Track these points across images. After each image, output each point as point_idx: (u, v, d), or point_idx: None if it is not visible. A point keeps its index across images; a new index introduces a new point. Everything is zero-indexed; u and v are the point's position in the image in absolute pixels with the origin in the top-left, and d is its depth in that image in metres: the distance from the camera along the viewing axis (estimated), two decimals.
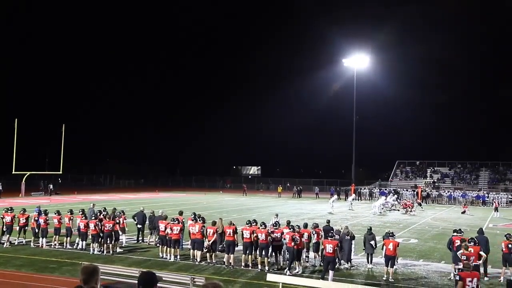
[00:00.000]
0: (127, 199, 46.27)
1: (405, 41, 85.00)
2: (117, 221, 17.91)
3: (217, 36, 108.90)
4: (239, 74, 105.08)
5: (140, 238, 19.65)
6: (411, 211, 36.61)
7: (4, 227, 18.38)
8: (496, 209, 37.20)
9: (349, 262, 15.77)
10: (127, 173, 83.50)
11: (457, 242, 14.21)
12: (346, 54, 61.58)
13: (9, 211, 18.63)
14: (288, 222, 16.18)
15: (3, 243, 18.25)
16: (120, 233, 18.27)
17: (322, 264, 14.77)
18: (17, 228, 18.51)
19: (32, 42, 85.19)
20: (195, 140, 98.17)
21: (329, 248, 13.69)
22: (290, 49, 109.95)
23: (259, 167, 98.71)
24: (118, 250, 17.48)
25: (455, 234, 15.10)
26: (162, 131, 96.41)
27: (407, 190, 55.21)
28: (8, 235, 18.28)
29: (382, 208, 37.31)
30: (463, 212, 37.51)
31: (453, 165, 67.91)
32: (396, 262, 14.67)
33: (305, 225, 16.54)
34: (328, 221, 17.82)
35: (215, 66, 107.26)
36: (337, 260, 14.74)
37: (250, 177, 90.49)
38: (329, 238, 14.18)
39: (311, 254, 16.18)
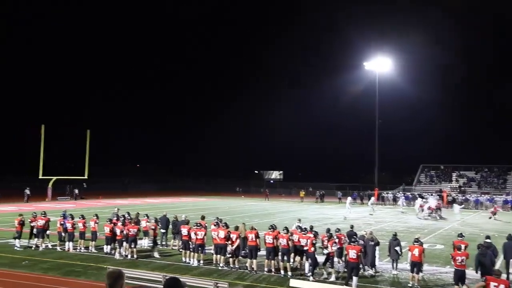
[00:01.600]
0: (150, 203, 46.69)
1: (428, 43, 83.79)
2: (152, 227, 18.19)
3: (237, 35, 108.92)
4: (260, 78, 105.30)
5: (164, 243, 19.81)
6: (436, 214, 36.07)
7: (35, 230, 18.71)
8: None
9: (373, 268, 15.58)
10: (151, 178, 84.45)
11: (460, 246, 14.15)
12: (367, 57, 61.24)
13: (42, 215, 18.98)
14: (311, 227, 16.07)
15: (31, 247, 18.62)
16: (144, 236, 18.49)
17: (345, 270, 14.62)
18: (33, 231, 18.84)
19: (58, 49, 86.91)
20: (217, 144, 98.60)
21: (352, 253, 13.55)
22: (312, 51, 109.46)
23: (281, 171, 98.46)
24: (155, 255, 17.61)
25: (458, 238, 14.97)
26: (186, 136, 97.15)
27: (431, 195, 54.32)
28: (36, 239, 18.64)
29: (431, 213, 36.68)
30: (491, 217, 36.73)
31: (479, 169, 66.57)
32: (421, 269, 14.43)
33: (328, 230, 16.42)
34: (352, 226, 17.65)
35: (237, 70, 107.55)
36: (361, 266, 14.58)
37: (272, 181, 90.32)
38: (352, 243, 14.05)
39: (335, 259, 16.02)
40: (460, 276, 12.74)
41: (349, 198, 41.42)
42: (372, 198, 46.52)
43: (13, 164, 72.47)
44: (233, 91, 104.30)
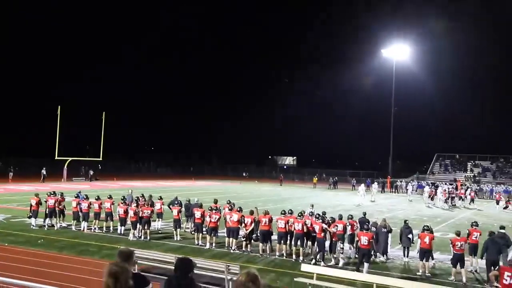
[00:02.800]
0: (164, 186, 47.08)
1: (448, 31, 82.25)
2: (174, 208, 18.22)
3: (252, 22, 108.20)
4: (275, 64, 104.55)
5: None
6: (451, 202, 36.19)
7: (47, 210, 19.06)
8: None
9: (385, 255, 15.59)
10: (164, 161, 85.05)
11: (475, 235, 14.42)
12: (386, 44, 60.50)
13: (52, 195, 19.31)
14: (324, 213, 16.08)
15: (45, 226, 18.96)
16: (157, 218, 18.71)
17: (357, 256, 14.66)
18: (46, 211, 19.18)
19: (72, 30, 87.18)
20: (231, 129, 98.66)
21: (364, 240, 13.56)
22: (326, 38, 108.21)
23: (294, 157, 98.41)
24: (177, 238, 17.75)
25: (473, 227, 14.91)
26: (199, 120, 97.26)
27: (446, 184, 53.91)
28: (49, 218, 18.97)
29: (449, 200, 36.85)
30: (506, 207, 36.39)
31: (495, 159, 65.78)
32: (432, 256, 14.39)
33: (340, 217, 16.42)
34: (365, 213, 17.62)
35: (252, 57, 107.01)
36: (372, 253, 14.59)
37: (285, 167, 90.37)
38: (364, 230, 14.06)
39: (346, 245, 16.06)
40: (458, 259, 13.27)
41: (362, 185, 41.29)
42: (374, 184, 45.91)
43: (31, 145, 73.44)
44: (254, 80, 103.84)
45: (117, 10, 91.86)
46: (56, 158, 46.29)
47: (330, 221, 15.14)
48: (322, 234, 14.48)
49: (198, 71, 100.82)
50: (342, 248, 16.01)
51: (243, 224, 15.96)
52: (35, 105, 74.89)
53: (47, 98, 67.46)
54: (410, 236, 15.65)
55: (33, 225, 18.86)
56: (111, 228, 18.71)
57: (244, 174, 77.14)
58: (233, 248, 15.90)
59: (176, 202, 19.35)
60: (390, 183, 56.46)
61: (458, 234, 13.96)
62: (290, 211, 16.14)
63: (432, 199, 38.32)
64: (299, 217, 15.35)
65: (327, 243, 14.77)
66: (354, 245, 15.52)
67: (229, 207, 17.38)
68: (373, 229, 15.34)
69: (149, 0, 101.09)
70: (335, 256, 15.09)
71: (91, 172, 52.10)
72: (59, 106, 45.73)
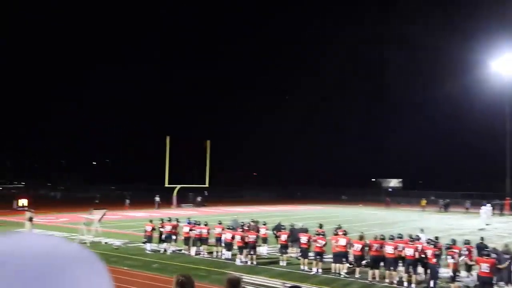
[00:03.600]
0: (266, 211, 47.58)
1: None
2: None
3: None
4: (377, 84, 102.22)
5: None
6: None
7: (163, 235, 20.10)
8: None
9: (509, 285, 14.27)
10: (265, 186, 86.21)
11: None
12: (495, 56, 56.58)
13: (168, 221, 20.37)
14: (437, 238, 15.17)
15: (160, 250, 19.96)
16: (262, 244, 18.89)
17: (476, 285, 13.57)
18: (160, 236, 20.12)
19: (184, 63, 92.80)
20: (332, 151, 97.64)
21: (484, 267, 12.54)
22: (428, 48, 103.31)
23: (400, 179, 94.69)
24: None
25: None
26: (300, 144, 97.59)
27: None
28: (165, 243, 19.97)
29: None
30: None
31: None
32: None
33: (454, 242, 15.38)
34: (482, 238, 16.36)
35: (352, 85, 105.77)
36: (494, 281, 13.42)
37: (390, 190, 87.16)
38: (484, 256, 13.01)
39: (463, 273, 14.96)
40: None
41: (484, 208, 38.13)
42: (486, 207, 41.45)
43: (143, 173, 78.72)
44: (356, 101, 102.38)
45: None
46: (166, 185, 48.94)
47: (446, 247, 14.17)
48: (434, 260, 13.64)
49: (299, 91, 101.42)
50: (458, 276, 14.94)
51: (351, 249, 15.57)
52: (144, 136, 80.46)
53: (156, 130, 72.18)
54: None
55: (147, 250, 19.95)
56: (219, 253, 19.19)
57: (343, 197, 75.64)
58: (342, 274, 15.54)
59: (282, 227, 19.48)
60: (510, 205, 51.98)
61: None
62: (399, 236, 15.48)
63: None
64: (410, 242, 14.64)
65: (441, 270, 13.88)
66: (472, 272, 14.41)
67: (335, 232, 17.10)
68: (493, 255, 14.16)
69: None
70: (452, 285, 14.04)
71: (199, 199, 54.12)
72: (167, 137, 48.51)
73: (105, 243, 21.64)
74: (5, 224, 30.25)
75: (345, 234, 16.27)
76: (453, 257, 13.59)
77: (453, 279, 13.63)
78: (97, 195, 54.40)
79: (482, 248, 14.28)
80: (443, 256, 14.28)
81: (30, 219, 22.39)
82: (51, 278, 0.46)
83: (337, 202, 68.07)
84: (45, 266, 0.46)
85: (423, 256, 14.25)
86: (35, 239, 0.50)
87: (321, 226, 18.90)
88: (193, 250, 19.41)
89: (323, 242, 16.21)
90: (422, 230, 19.24)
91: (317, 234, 16.81)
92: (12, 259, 0.46)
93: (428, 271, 14.33)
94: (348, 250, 15.63)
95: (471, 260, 14.57)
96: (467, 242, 15.23)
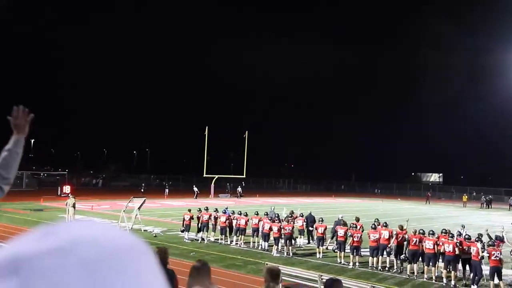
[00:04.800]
0: (304, 203, 47.50)
1: None
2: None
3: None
4: (421, 75, 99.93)
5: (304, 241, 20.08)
6: None
7: (200, 224, 20.37)
8: None
9: None
10: (303, 177, 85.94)
11: None
12: None
13: (206, 210, 20.60)
14: (480, 235, 14.79)
15: (198, 239, 20.27)
16: (299, 235, 18.90)
17: None
18: (198, 225, 20.38)
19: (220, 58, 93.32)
20: (372, 144, 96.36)
21: None
22: (486, 43, 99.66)
23: (440, 174, 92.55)
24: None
25: None
26: (339, 137, 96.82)
27: None
28: (201, 232, 20.25)
29: None
30: None
31: None
32: None
33: (501, 239, 14.98)
34: None
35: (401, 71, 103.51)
36: None
37: (430, 184, 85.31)
38: None
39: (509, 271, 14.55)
40: None
41: None
42: None
43: (183, 163, 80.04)
44: (397, 94, 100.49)
45: None
46: (204, 175, 49.54)
47: (490, 244, 13.77)
48: (479, 257, 13.30)
49: (340, 85, 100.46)
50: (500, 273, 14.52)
51: (393, 240, 15.40)
52: (186, 127, 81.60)
53: (195, 121, 73.08)
54: None
55: (185, 239, 20.29)
56: (256, 243, 19.31)
57: (376, 191, 74.57)
58: (379, 268, 15.41)
59: (320, 220, 19.47)
60: None
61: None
62: (444, 231, 15.16)
63: None
64: (450, 238, 14.33)
65: (484, 267, 13.52)
66: None
67: (373, 226, 16.91)
68: None
69: None
70: (496, 283, 13.61)
71: (239, 189, 54.33)
72: (206, 127, 49.01)
73: (144, 230, 22.14)
74: (51, 209, 31.47)
75: (385, 226, 16.12)
76: (495, 255, 13.23)
77: (494, 276, 13.29)
78: (142, 183, 55.83)
79: None
80: (485, 254, 13.88)
81: (73, 205, 23.16)
82: (119, 268, 0.48)
83: (373, 195, 67.21)
84: (113, 256, 0.48)
85: (466, 253, 13.92)
86: (100, 228, 0.52)
87: (357, 220, 18.73)
88: (230, 240, 19.62)
89: (359, 235, 16.10)
90: (463, 226, 18.80)
91: (354, 228, 16.67)
92: (84, 246, 0.48)
93: (467, 268, 14.02)
94: (390, 243, 15.45)
95: None
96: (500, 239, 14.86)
